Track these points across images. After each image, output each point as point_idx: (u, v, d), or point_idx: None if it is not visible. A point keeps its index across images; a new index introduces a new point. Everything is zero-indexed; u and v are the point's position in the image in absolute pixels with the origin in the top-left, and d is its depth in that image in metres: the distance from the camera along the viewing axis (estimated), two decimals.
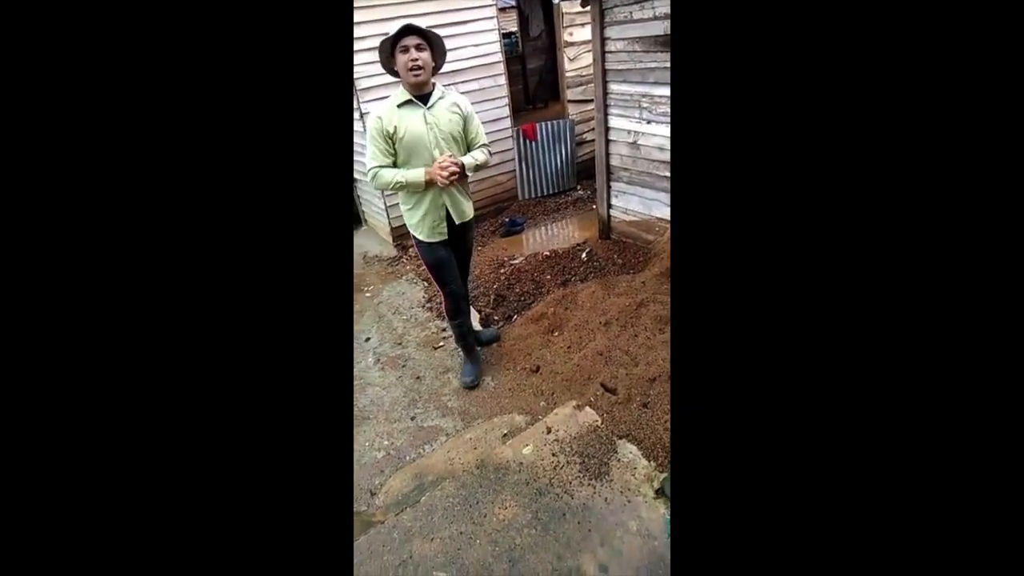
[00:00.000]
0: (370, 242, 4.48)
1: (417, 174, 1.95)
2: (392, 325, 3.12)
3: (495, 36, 4.10)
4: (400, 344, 2.90)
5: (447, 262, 2.21)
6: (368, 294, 3.59)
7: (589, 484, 1.80)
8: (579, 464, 1.88)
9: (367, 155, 1.98)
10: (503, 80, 4.28)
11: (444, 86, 2.03)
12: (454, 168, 1.93)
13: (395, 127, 1.91)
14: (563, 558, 1.56)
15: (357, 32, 3.47)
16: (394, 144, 1.94)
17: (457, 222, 2.14)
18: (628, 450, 1.90)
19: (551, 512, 1.72)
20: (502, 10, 5.05)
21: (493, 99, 4.26)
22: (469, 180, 2.15)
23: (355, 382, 2.65)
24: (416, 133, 1.92)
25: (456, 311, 2.34)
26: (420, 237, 2.14)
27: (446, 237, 2.14)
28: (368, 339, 3.03)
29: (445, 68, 3.80)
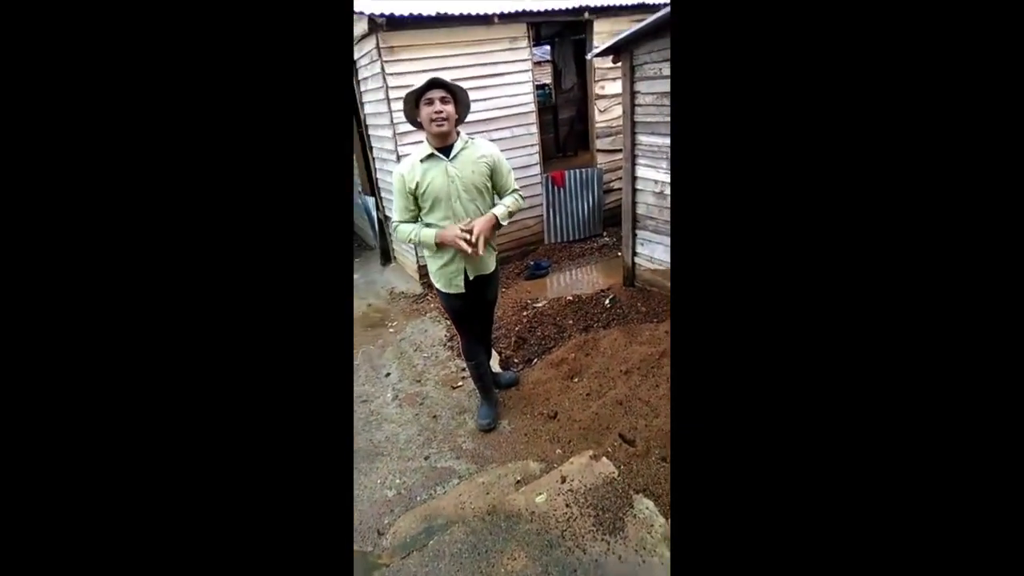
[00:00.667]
0: (397, 279, 4.57)
1: (428, 235, 1.97)
2: (413, 362, 3.14)
3: (529, 88, 4.27)
4: (419, 381, 2.91)
5: (463, 313, 2.23)
6: (392, 330, 3.63)
7: (603, 539, 1.73)
8: (593, 517, 1.82)
9: (393, 208, 2.07)
10: (535, 129, 4.42)
11: (469, 135, 2.05)
12: (479, 238, 1.91)
13: (416, 183, 1.95)
14: None
15: (402, 81, 3.67)
16: (416, 199, 1.99)
17: (471, 277, 2.12)
18: (645, 506, 1.83)
19: (562, 567, 1.65)
20: (537, 63, 5.29)
21: (524, 146, 4.40)
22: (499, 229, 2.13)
23: (372, 417, 2.65)
24: (438, 186, 1.94)
25: (472, 352, 2.35)
26: (438, 286, 2.18)
27: (463, 291, 2.13)
28: (388, 374, 3.04)
29: (481, 115, 4.03)
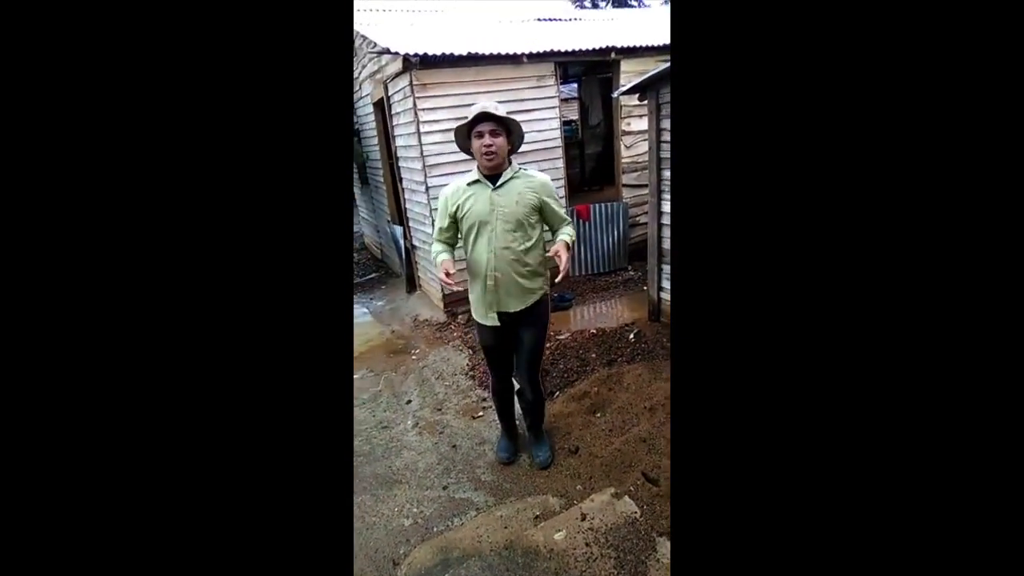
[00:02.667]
0: (422, 306, 4.61)
1: (437, 258, 1.98)
2: (434, 390, 3.14)
3: (556, 124, 4.37)
4: (440, 410, 2.90)
5: (494, 350, 2.16)
6: (415, 357, 3.65)
7: None
8: (614, 559, 1.76)
9: (435, 226, 2.08)
10: (561, 164, 4.50)
11: (521, 165, 2.01)
12: (566, 262, 1.87)
13: (458, 206, 1.95)
14: None
15: (432, 116, 3.81)
16: (457, 222, 1.99)
17: (496, 311, 2.02)
18: (668, 548, 1.76)
19: None
20: (564, 100, 5.41)
21: (551, 180, 4.47)
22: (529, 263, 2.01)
23: (392, 444, 2.64)
24: (478, 212, 1.92)
25: (498, 391, 2.29)
26: (474, 315, 2.14)
27: (497, 324, 2.04)
28: (409, 401, 3.04)
29: None
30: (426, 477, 2.36)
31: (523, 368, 2.19)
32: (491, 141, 1.86)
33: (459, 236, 2.04)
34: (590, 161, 6.76)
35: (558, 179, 4.49)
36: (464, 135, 1.94)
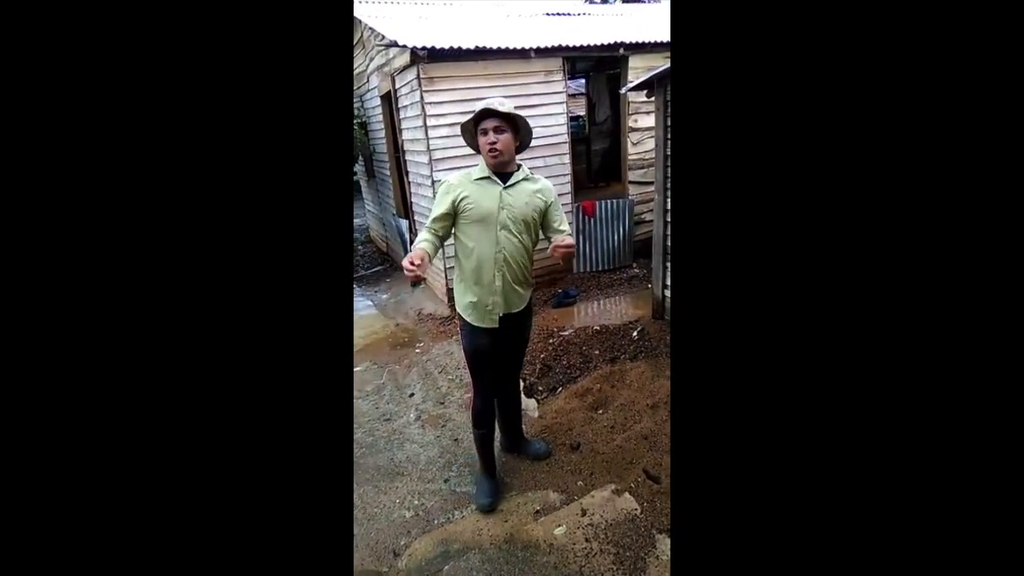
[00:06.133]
0: (426, 300, 4.63)
1: (417, 246, 1.80)
2: (437, 383, 3.15)
3: (563, 119, 4.35)
4: (442, 404, 2.91)
5: (488, 356, 2.00)
6: (418, 350, 3.67)
7: None
8: (613, 555, 1.77)
9: (430, 213, 1.93)
10: (567, 159, 4.48)
11: (530, 168, 1.93)
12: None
13: (464, 196, 1.84)
14: None
15: (439, 110, 3.81)
16: (456, 214, 1.86)
17: (500, 313, 1.94)
18: (667, 546, 1.77)
19: None
20: (572, 96, 5.40)
21: (557, 176, 4.45)
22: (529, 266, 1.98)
23: (394, 436, 2.66)
24: (486, 209, 1.83)
25: (482, 418, 2.09)
26: (467, 318, 1.96)
27: (496, 326, 1.94)
28: (412, 394, 3.06)
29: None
30: (428, 470, 2.37)
31: (514, 369, 2.20)
32: (495, 138, 1.79)
33: (451, 230, 1.91)
34: (596, 157, 6.74)
35: (564, 175, 4.48)
36: (470, 131, 1.89)
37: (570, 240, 1.81)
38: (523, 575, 1.74)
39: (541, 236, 1.98)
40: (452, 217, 1.87)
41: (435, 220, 1.86)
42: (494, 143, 1.79)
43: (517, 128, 1.85)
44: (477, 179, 1.87)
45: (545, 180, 1.99)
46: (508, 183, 1.86)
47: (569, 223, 4.51)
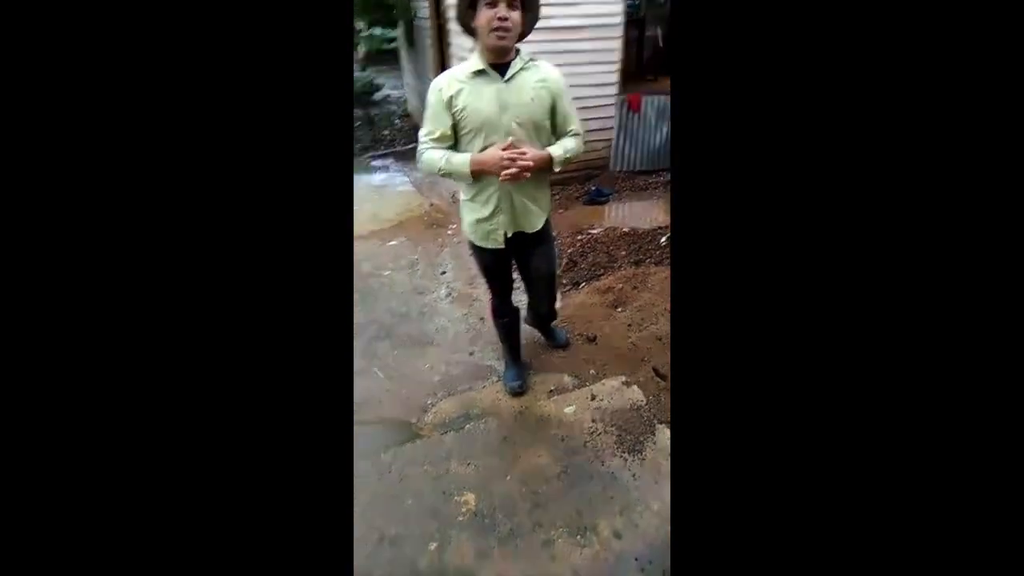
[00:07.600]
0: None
1: (461, 162, 1.56)
2: (467, 265, 3.28)
3: None
4: (472, 284, 3.07)
5: (499, 273, 1.93)
6: (450, 232, 3.76)
7: (621, 456, 1.90)
8: (616, 435, 1.99)
9: (421, 131, 1.63)
10: (618, 44, 4.11)
11: (531, 54, 1.58)
12: (526, 162, 1.49)
13: (457, 103, 1.53)
14: (582, 515, 1.69)
15: None
16: (455, 125, 1.57)
17: (509, 233, 1.74)
18: (666, 436, 1.98)
19: (580, 471, 1.85)
20: None
21: (603, 63, 4.13)
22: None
23: (425, 309, 2.86)
24: (484, 113, 1.52)
25: (502, 310, 2.06)
26: (472, 239, 1.81)
27: (501, 247, 1.76)
28: (444, 272, 3.22)
29: (559, 23, 3.75)
30: (456, 342, 2.59)
31: (543, 298, 2.06)
32: (507, 14, 1.41)
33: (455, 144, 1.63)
34: (650, 45, 6.19)
35: (612, 62, 4.16)
36: (467, 3, 1.47)
37: (545, 154, 1.57)
38: (534, 441, 1.98)
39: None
40: (454, 129, 1.59)
41: (433, 138, 1.59)
42: (504, 19, 1.41)
43: (527, 8, 1.49)
44: (471, 74, 1.53)
45: (549, 65, 1.60)
46: (507, 77, 1.53)
47: (611, 116, 4.33)
